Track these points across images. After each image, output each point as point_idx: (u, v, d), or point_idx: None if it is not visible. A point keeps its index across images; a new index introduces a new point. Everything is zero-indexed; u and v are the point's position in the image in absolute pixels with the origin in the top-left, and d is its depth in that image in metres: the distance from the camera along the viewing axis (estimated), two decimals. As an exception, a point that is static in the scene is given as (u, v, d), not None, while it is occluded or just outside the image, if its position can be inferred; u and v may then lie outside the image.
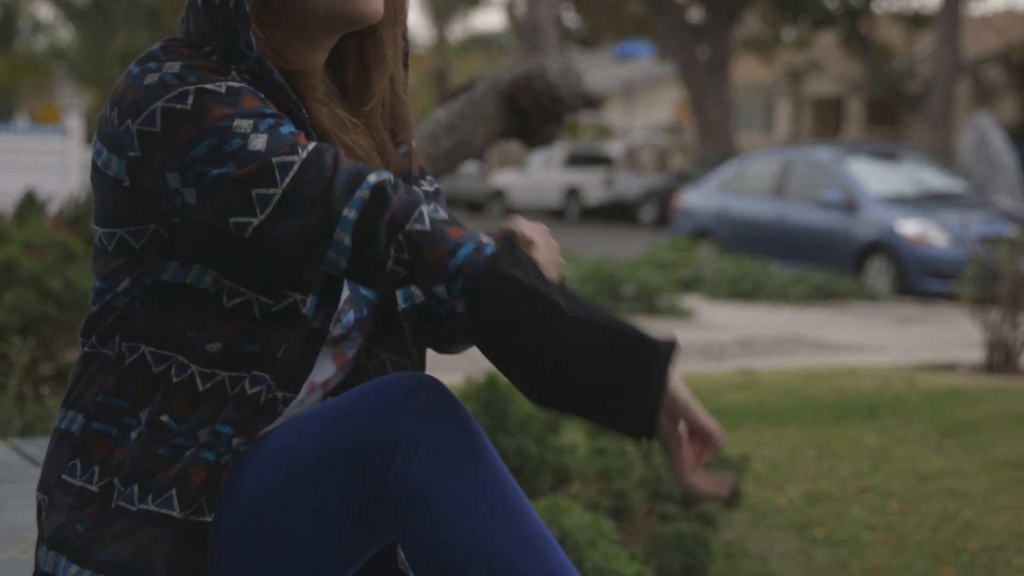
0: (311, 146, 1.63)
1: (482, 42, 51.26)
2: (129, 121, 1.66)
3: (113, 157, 1.69)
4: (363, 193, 1.59)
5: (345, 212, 1.58)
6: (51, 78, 41.88)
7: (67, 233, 6.52)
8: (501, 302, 1.55)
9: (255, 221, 1.61)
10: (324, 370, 1.78)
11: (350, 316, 1.77)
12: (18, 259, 5.76)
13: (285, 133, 1.63)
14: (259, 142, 1.61)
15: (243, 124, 1.62)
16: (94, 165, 1.73)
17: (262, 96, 1.67)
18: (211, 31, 1.71)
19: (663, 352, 1.57)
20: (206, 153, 1.62)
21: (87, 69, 35.99)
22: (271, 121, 1.64)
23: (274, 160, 1.60)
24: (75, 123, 16.39)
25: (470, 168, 30.97)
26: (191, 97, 1.64)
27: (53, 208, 7.78)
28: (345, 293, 1.76)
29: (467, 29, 53.08)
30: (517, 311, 1.55)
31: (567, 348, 1.55)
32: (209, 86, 1.65)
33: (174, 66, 1.66)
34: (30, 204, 7.78)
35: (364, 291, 1.78)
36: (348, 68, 1.82)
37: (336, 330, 1.76)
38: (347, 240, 1.58)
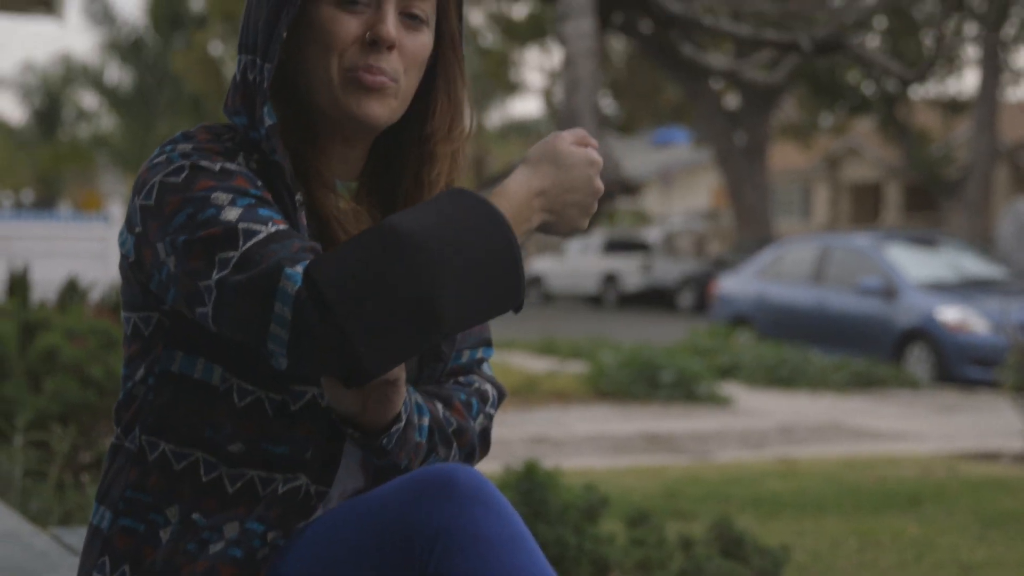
0: (284, 226, 1.63)
1: (520, 129, 51.63)
2: (136, 198, 1.70)
3: (128, 236, 1.73)
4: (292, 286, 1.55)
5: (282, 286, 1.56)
6: (94, 165, 42.43)
7: (108, 320, 6.58)
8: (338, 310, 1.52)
9: (211, 282, 1.59)
10: (355, 477, 1.78)
11: None
12: (60, 346, 5.81)
13: (261, 212, 1.63)
14: (232, 213, 1.62)
15: (222, 197, 1.63)
16: (120, 248, 1.77)
17: (258, 183, 1.68)
18: (242, 106, 1.74)
19: (503, 222, 1.58)
20: (184, 221, 1.63)
21: (130, 156, 36.46)
22: (251, 200, 1.64)
23: (240, 226, 1.61)
24: (117, 210, 16.59)
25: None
26: (185, 172, 1.66)
27: (95, 295, 7.85)
28: None
29: (505, 116, 53.52)
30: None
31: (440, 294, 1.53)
32: (205, 163, 1.67)
33: (186, 148, 1.70)
34: (72, 291, 7.86)
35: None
36: (404, 179, 1.82)
37: None
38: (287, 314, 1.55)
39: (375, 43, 1.73)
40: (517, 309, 1.61)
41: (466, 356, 1.89)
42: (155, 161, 1.70)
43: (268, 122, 1.71)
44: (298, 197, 1.71)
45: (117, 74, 38.43)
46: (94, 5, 37.10)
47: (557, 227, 1.72)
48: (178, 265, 1.63)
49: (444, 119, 1.82)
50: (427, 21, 1.78)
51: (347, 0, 1.73)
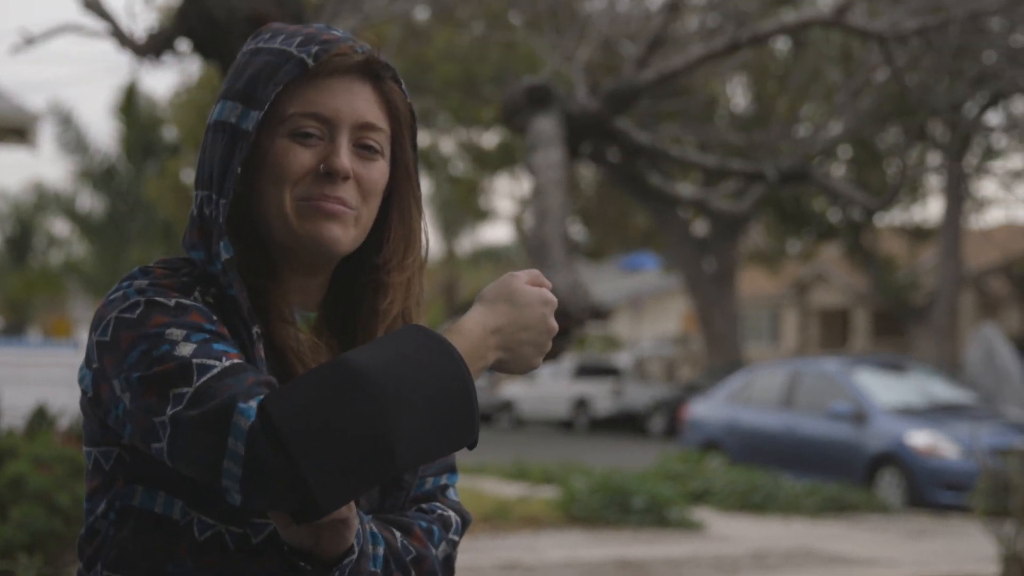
0: (238, 360, 1.63)
1: (491, 255, 51.88)
2: (93, 334, 1.71)
3: (86, 372, 1.73)
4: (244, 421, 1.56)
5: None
6: (64, 292, 42.32)
7: (76, 448, 6.52)
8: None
9: (165, 417, 1.59)
10: None
11: None
12: (27, 474, 5.76)
13: (215, 348, 1.63)
14: (186, 349, 1.62)
15: (176, 333, 1.63)
16: (80, 384, 1.77)
17: (213, 317, 1.68)
18: (199, 241, 1.75)
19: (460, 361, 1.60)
20: (138, 358, 1.63)
21: (101, 283, 36.44)
22: (206, 336, 1.64)
23: (194, 362, 1.60)
24: (87, 336, 16.53)
25: (479, 381, 31.01)
26: (140, 308, 1.67)
27: (64, 422, 7.79)
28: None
29: (475, 242, 53.75)
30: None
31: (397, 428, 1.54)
32: (160, 299, 1.68)
33: (142, 284, 1.70)
34: (41, 418, 7.81)
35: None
36: (360, 309, 1.82)
37: None
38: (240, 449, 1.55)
39: (329, 175, 1.73)
40: (471, 446, 1.62)
41: (429, 483, 1.88)
42: (111, 297, 1.71)
43: (224, 256, 1.71)
44: (256, 330, 1.72)
45: (89, 201, 38.56)
46: (67, 134, 37.32)
47: (511, 365, 1.72)
48: (133, 402, 1.63)
49: (398, 247, 1.82)
50: (381, 151, 1.79)
51: (300, 133, 1.74)
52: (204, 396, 1.57)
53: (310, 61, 1.73)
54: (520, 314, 1.73)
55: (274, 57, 1.75)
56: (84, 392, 1.74)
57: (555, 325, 1.75)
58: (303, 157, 1.74)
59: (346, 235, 1.75)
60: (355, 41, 1.78)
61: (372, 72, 1.79)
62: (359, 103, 1.77)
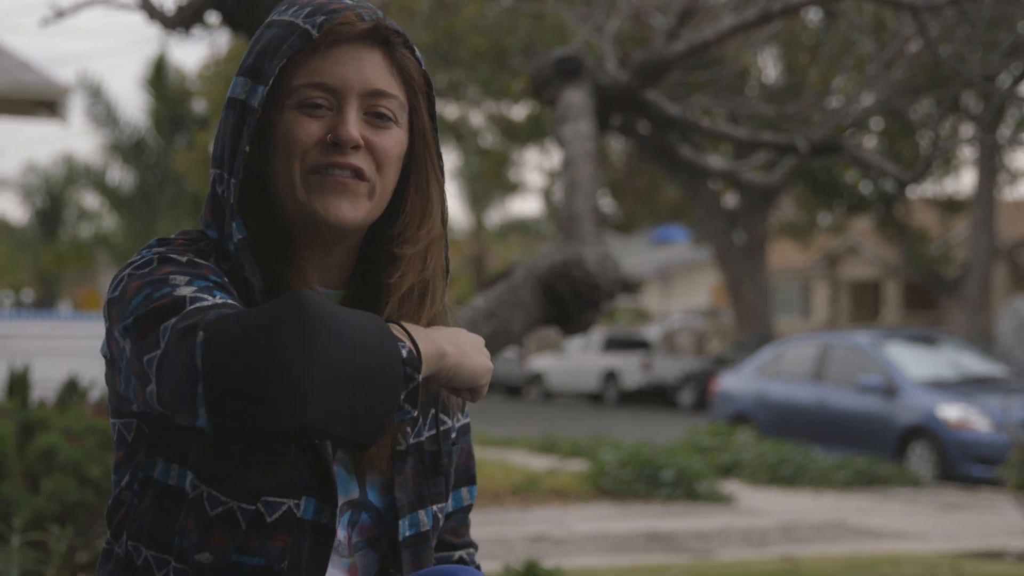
0: (233, 301, 1.61)
1: (520, 227, 51.88)
2: (107, 294, 1.70)
3: (104, 338, 1.72)
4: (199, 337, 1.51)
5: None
6: (95, 264, 42.52)
7: (107, 420, 6.57)
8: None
9: (155, 353, 1.56)
10: None
11: (346, 517, 1.74)
12: (58, 446, 5.80)
13: (216, 293, 1.61)
14: (186, 290, 1.60)
15: (179, 278, 1.62)
16: (101, 353, 1.76)
17: (224, 278, 1.67)
18: (213, 220, 1.74)
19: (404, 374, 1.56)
20: (140, 301, 1.62)
21: (131, 255, 36.57)
22: (209, 284, 1.63)
23: (188, 296, 1.59)
24: (118, 309, 16.60)
25: (509, 352, 31.08)
26: (152, 264, 1.66)
27: (95, 394, 7.84)
28: (350, 495, 1.74)
29: (505, 215, 53.75)
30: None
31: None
32: (174, 255, 1.67)
33: (161, 249, 1.70)
34: (72, 390, 7.86)
35: (371, 496, 1.76)
36: (368, 287, 1.79)
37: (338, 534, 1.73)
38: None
39: (336, 144, 1.71)
40: (365, 442, 1.55)
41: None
42: (129, 261, 1.70)
43: (237, 236, 1.70)
44: None
45: (119, 174, 38.67)
46: (97, 107, 37.43)
47: (462, 361, 1.68)
48: (132, 348, 1.61)
49: (413, 218, 1.78)
50: (395, 119, 1.76)
51: (307, 104, 1.72)
52: (182, 321, 1.54)
53: (314, 32, 1.71)
54: (442, 328, 1.72)
55: (281, 29, 1.72)
56: (104, 359, 1.74)
57: (490, 364, 1.73)
58: (310, 127, 1.72)
59: (357, 208, 1.72)
60: (364, 7, 1.75)
61: (382, 39, 1.75)
62: (368, 70, 1.74)
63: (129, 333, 1.62)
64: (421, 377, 1.59)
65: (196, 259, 1.68)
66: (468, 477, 1.92)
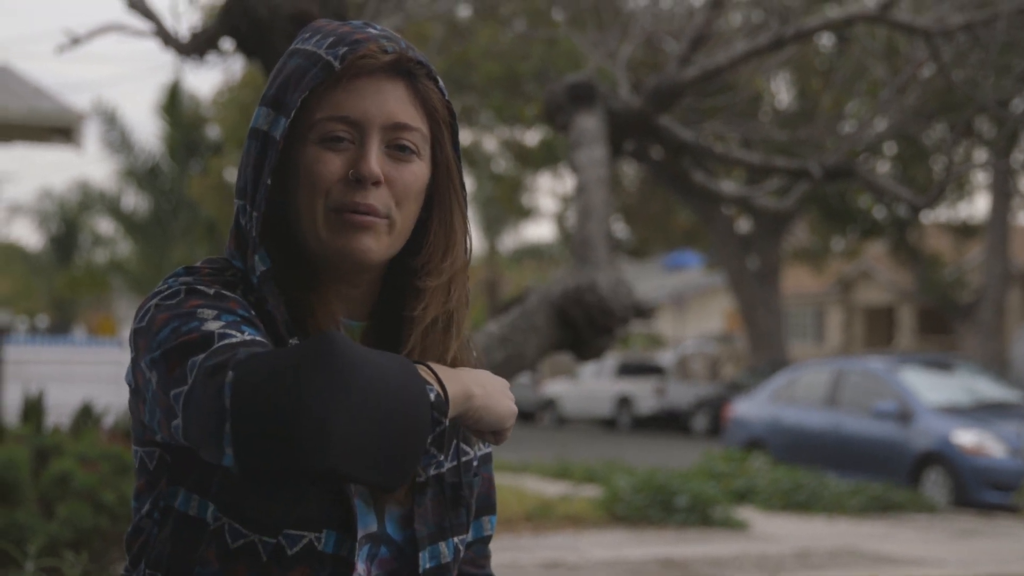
0: (261, 337, 1.61)
1: (533, 253, 51.87)
2: (132, 325, 1.70)
3: (128, 366, 1.72)
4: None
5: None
6: (109, 290, 42.63)
7: (122, 445, 6.57)
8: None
9: (183, 389, 1.56)
10: None
11: (365, 550, 1.73)
12: (73, 472, 5.81)
13: (245, 328, 1.61)
14: (214, 325, 1.60)
15: (207, 312, 1.62)
16: (126, 380, 1.76)
17: (252, 312, 1.67)
18: (237, 251, 1.75)
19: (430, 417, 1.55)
20: (168, 334, 1.61)
21: (145, 281, 36.69)
22: (237, 319, 1.63)
23: (217, 332, 1.58)
24: (132, 335, 16.62)
25: (522, 377, 31.06)
26: (180, 295, 1.66)
27: (109, 420, 7.86)
28: (368, 528, 1.73)
29: (518, 240, 53.77)
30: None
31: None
32: (201, 287, 1.67)
33: (188, 279, 1.70)
34: (86, 416, 7.87)
35: (389, 529, 1.75)
36: (391, 320, 1.79)
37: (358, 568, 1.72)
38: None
39: (359, 180, 1.70)
40: (391, 487, 1.55)
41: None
42: (156, 290, 1.70)
43: (260, 268, 1.70)
44: (294, 342, 1.70)
45: (133, 200, 38.79)
46: (111, 133, 37.57)
47: (489, 401, 1.69)
48: (159, 381, 1.61)
49: (436, 251, 1.78)
50: (418, 152, 1.75)
51: (329, 138, 1.71)
52: (211, 358, 1.54)
53: (336, 64, 1.70)
54: (468, 369, 1.72)
55: (304, 60, 1.72)
56: (128, 387, 1.73)
57: (514, 408, 1.74)
58: (332, 164, 1.71)
59: (378, 244, 1.72)
60: (388, 39, 1.74)
61: (404, 71, 1.75)
62: (390, 103, 1.73)
63: (156, 366, 1.62)
64: (448, 420, 1.59)
65: (223, 291, 1.68)
66: (488, 506, 1.91)
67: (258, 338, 1.61)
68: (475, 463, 1.86)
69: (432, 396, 1.57)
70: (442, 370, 1.64)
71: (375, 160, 1.71)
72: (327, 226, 1.71)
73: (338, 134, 1.72)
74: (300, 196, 1.72)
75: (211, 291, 1.67)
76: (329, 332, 1.52)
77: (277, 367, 1.48)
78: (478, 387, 1.67)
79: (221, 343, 1.57)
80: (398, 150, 1.74)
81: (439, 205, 1.79)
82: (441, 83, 1.79)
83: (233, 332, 1.59)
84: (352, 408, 1.48)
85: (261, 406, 1.47)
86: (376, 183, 1.71)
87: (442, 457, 1.64)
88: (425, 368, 1.62)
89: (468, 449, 1.85)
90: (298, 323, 1.72)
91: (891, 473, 14.59)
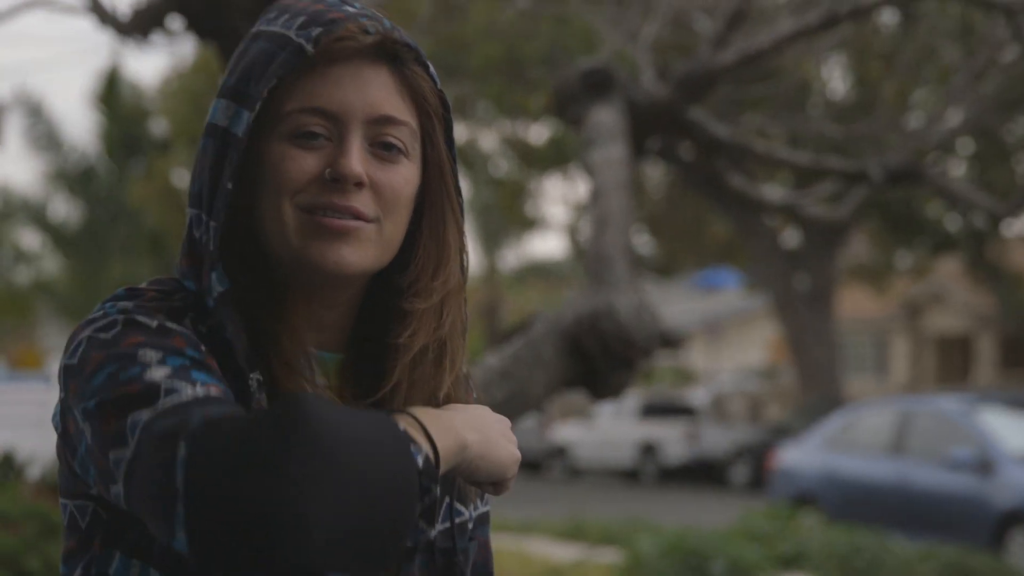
0: (217, 392, 1.59)
1: (540, 271, 51.97)
2: (62, 358, 1.69)
3: (57, 405, 1.71)
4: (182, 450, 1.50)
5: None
6: (33, 315, 42.65)
7: (49, 502, 6.58)
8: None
9: (122, 451, 1.56)
10: None
11: None
12: (-9, 533, 5.81)
13: (194, 375, 1.60)
14: (159, 373, 1.59)
15: (150, 355, 1.61)
16: (53, 422, 1.75)
17: (201, 347, 1.65)
18: (189, 269, 1.74)
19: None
20: (104, 381, 1.61)
21: (77, 304, 36.72)
22: (186, 362, 1.61)
23: (163, 385, 1.57)
24: (61, 369, 16.63)
25: (527, 421, 31.04)
26: (117, 328, 1.65)
27: (34, 472, 7.87)
28: None
29: (521, 256, 53.86)
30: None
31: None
32: (141, 318, 1.66)
33: (127, 304, 1.68)
34: (7, 467, 7.88)
35: None
36: (371, 347, 1.78)
37: None
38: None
39: (337, 180, 1.69)
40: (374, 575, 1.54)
41: None
42: (90, 317, 1.69)
43: (218, 289, 1.70)
44: (256, 377, 1.69)
45: (63, 208, 38.90)
46: (37, 128, 37.69)
47: (487, 450, 1.69)
48: (93, 434, 1.60)
49: (426, 266, 1.77)
50: (406, 151, 1.75)
51: (301, 134, 1.71)
52: (159, 422, 1.54)
53: (309, 47, 1.70)
54: (465, 408, 1.72)
55: (271, 44, 1.72)
56: (56, 430, 1.73)
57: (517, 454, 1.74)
58: (305, 162, 1.70)
59: (360, 254, 1.71)
60: (369, 18, 1.74)
61: (389, 55, 1.75)
62: (373, 93, 1.73)
63: (90, 418, 1.62)
64: (439, 486, 1.58)
65: (168, 323, 1.67)
66: None
67: (212, 390, 1.60)
68: (471, 524, 1.86)
69: (420, 461, 1.55)
70: (429, 418, 1.62)
71: (356, 157, 1.71)
72: (298, 232, 1.70)
73: (312, 129, 1.71)
74: (265, 200, 1.71)
75: (153, 323, 1.66)
76: (300, 397, 1.50)
77: (240, 445, 1.47)
78: (473, 432, 1.67)
79: (168, 400, 1.56)
80: (383, 149, 1.73)
81: (430, 214, 1.79)
82: (432, 69, 1.78)
83: (181, 384, 1.58)
84: (332, 495, 1.47)
85: (223, 492, 1.46)
86: (359, 184, 1.70)
87: (433, 534, 1.64)
88: (409, 419, 1.60)
89: (463, 509, 1.84)
90: (260, 354, 1.71)
91: (969, 534, 14.57)
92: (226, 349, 1.70)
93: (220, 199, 1.71)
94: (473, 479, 1.70)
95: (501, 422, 1.73)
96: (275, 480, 1.45)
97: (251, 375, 1.69)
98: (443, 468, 1.61)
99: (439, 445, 1.60)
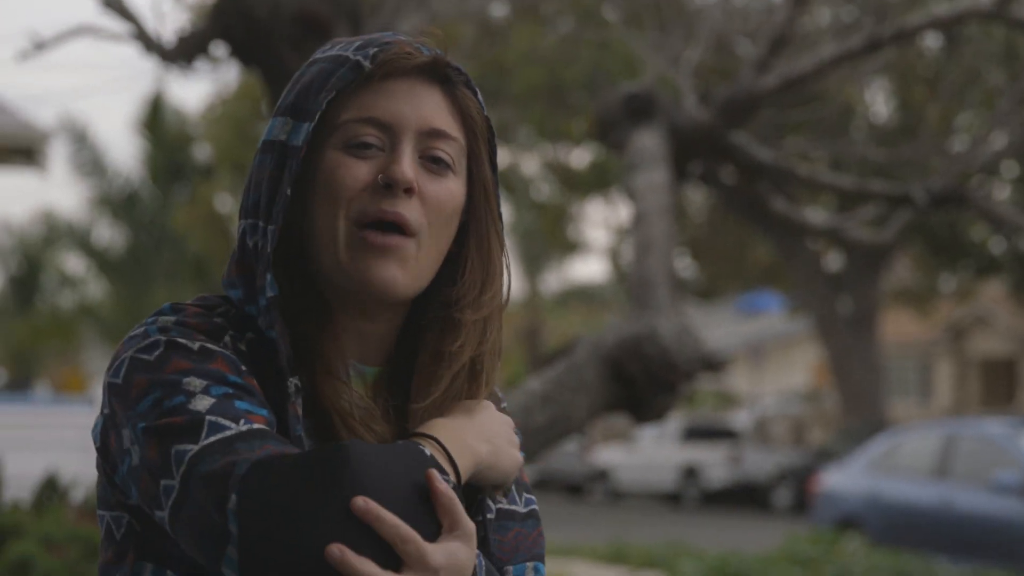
0: (259, 424, 1.66)
1: (581, 295, 51.94)
2: (106, 375, 1.73)
3: (98, 419, 1.75)
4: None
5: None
6: (78, 339, 42.85)
7: (93, 525, 6.60)
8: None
9: (170, 481, 1.63)
10: None
11: None
12: (35, 556, 5.84)
13: (237, 405, 1.66)
14: (203, 403, 1.65)
15: (195, 383, 1.66)
16: (92, 434, 1.79)
17: (241, 368, 1.71)
18: (238, 278, 1.78)
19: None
20: (149, 407, 1.66)
21: (120, 328, 36.86)
22: (229, 390, 1.67)
23: (207, 419, 1.64)
24: (105, 392, 16.69)
25: (568, 445, 31.00)
26: (159, 350, 1.69)
27: (78, 495, 7.90)
28: None
29: (563, 280, 53.87)
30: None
31: None
32: (183, 341, 1.70)
33: (168, 322, 1.73)
34: (51, 490, 7.91)
35: None
36: (423, 352, 1.83)
37: None
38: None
39: (388, 186, 1.74)
40: None
41: (510, 574, 1.86)
42: (132, 334, 1.73)
43: (269, 293, 1.73)
44: (295, 382, 1.73)
45: (107, 233, 39.06)
46: (82, 154, 37.87)
47: (498, 458, 1.77)
48: (139, 457, 1.66)
49: (475, 282, 1.82)
50: (454, 167, 1.80)
51: (356, 144, 1.76)
52: (205, 460, 1.60)
53: (367, 63, 1.76)
54: (474, 412, 1.79)
55: (329, 64, 1.78)
56: (95, 443, 1.77)
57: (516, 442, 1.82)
58: (358, 170, 1.76)
59: (404, 273, 1.76)
60: (421, 42, 1.81)
61: (440, 75, 1.81)
62: (425, 107, 1.79)
63: (137, 441, 1.67)
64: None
65: (208, 345, 1.71)
66: (535, 555, 1.91)
67: (255, 422, 1.66)
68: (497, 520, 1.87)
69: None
70: (449, 438, 1.71)
71: (408, 164, 1.76)
72: (348, 246, 1.75)
73: (366, 139, 1.77)
74: (318, 208, 1.77)
75: (195, 346, 1.70)
76: (343, 446, 1.59)
77: (290, 495, 1.57)
78: (484, 443, 1.75)
79: (213, 437, 1.62)
80: (433, 162, 1.79)
81: (476, 231, 1.84)
82: (480, 95, 1.84)
83: (226, 421, 1.64)
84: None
85: (275, 538, 1.56)
86: (408, 190, 1.75)
87: None
88: (433, 444, 1.69)
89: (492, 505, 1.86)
90: (301, 361, 1.75)
91: (1015, 558, 14.48)
92: (267, 354, 1.75)
93: (279, 205, 1.75)
94: (480, 484, 1.76)
95: (507, 425, 1.80)
96: (319, 527, 1.55)
97: (291, 379, 1.73)
98: (462, 481, 1.70)
99: (459, 465, 1.69)
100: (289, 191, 1.75)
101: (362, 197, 1.75)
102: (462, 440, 1.71)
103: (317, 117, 1.75)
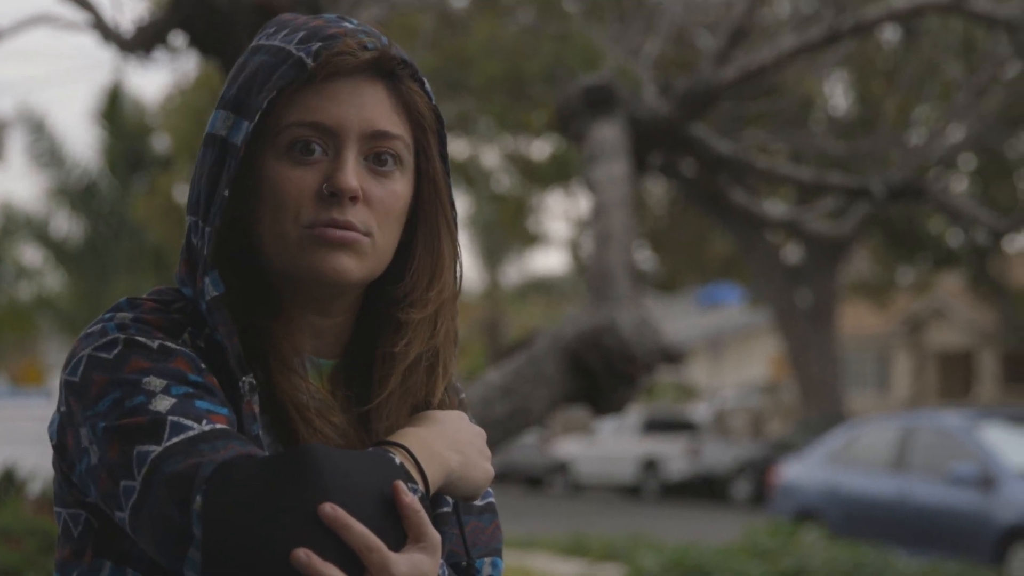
0: (221, 424, 1.65)
1: (541, 287, 51.88)
2: (63, 372, 1.73)
3: (55, 416, 1.75)
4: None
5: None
6: (35, 331, 42.63)
7: (50, 518, 6.57)
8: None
9: (130, 482, 1.63)
10: None
11: None
12: (-8, 549, 5.80)
13: (198, 405, 1.66)
14: (163, 403, 1.65)
15: (155, 382, 1.66)
16: (48, 431, 1.79)
17: (201, 366, 1.71)
18: (187, 275, 1.78)
19: None
20: (109, 407, 1.66)
21: (78, 320, 36.68)
22: (189, 389, 1.67)
23: (169, 419, 1.64)
24: (63, 385, 16.63)
25: (528, 437, 31.01)
26: (118, 348, 1.69)
27: (35, 488, 7.86)
28: None
29: (523, 272, 53.82)
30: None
31: None
32: (142, 339, 1.70)
33: (125, 318, 1.73)
34: (8, 483, 7.87)
35: None
36: (376, 351, 1.82)
37: None
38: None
39: (334, 195, 1.73)
40: None
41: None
42: (89, 331, 1.72)
43: (211, 293, 1.73)
44: (249, 380, 1.73)
45: (66, 224, 38.82)
46: (39, 145, 37.62)
47: (467, 469, 1.76)
48: (98, 457, 1.66)
49: (421, 277, 1.82)
50: (400, 164, 1.79)
51: (299, 148, 1.75)
52: (169, 461, 1.60)
53: (309, 61, 1.74)
54: (446, 422, 1.79)
55: (271, 57, 1.76)
56: (51, 440, 1.76)
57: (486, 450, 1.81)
58: (303, 177, 1.75)
59: (359, 264, 1.76)
60: (368, 34, 1.78)
61: (386, 71, 1.79)
62: (369, 108, 1.77)
63: (96, 440, 1.67)
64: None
65: (167, 343, 1.71)
66: (492, 550, 1.91)
67: (219, 425, 1.66)
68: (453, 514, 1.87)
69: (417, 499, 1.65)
70: (419, 447, 1.70)
71: (352, 172, 1.75)
72: (299, 245, 1.74)
73: (309, 143, 1.75)
74: (264, 215, 1.76)
75: (154, 344, 1.70)
76: (309, 449, 1.59)
77: (255, 497, 1.57)
78: (455, 454, 1.74)
79: (176, 438, 1.63)
80: (377, 163, 1.78)
81: (424, 225, 1.84)
82: (427, 85, 1.83)
83: (187, 421, 1.64)
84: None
85: (238, 542, 1.56)
86: (354, 198, 1.74)
87: None
88: (403, 452, 1.68)
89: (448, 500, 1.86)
90: (256, 356, 1.75)
91: (971, 550, 14.55)
92: (221, 354, 1.74)
93: (216, 206, 1.74)
94: (449, 494, 1.77)
95: (479, 436, 1.79)
96: (284, 531, 1.55)
97: (243, 378, 1.73)
98: (431, 492, 1.69)
99: (429, 476, 1.68)
100: (227, 192, 1.74)
101: (309, 205, 1.74)
102: (432, 449, 1.71)
103: (257, 117, 1.73)
